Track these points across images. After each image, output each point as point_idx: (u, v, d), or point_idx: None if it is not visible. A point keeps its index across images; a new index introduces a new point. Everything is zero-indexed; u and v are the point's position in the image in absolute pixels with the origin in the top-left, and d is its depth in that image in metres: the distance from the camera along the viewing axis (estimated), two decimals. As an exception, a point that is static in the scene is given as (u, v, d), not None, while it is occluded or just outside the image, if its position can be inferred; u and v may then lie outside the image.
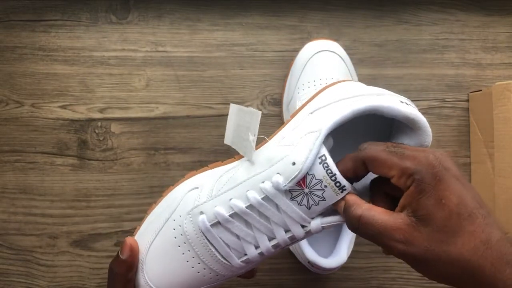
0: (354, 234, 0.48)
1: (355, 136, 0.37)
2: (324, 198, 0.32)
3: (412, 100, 0.35)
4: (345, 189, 0.32)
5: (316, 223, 0.33)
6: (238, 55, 0.55)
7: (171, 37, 0.55)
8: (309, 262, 0.47)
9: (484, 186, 0.53)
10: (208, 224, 0.35)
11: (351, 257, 0.48)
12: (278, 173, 0.33)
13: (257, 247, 0.35)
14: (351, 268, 0.54)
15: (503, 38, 0.57)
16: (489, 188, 0.52)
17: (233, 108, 0.39)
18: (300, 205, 0.33)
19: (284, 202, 0.33)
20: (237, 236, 0.35)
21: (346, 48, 0.53)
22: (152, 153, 0.54)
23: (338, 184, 0.32)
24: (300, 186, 0.33)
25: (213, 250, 0.35)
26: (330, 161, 0.32)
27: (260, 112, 0.35)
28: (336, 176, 0.32)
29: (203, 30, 0.55)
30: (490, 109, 0.51)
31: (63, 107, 0.54)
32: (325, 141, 0.33)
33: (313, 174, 0.32)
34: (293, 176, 0.32)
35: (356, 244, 0.50)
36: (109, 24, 0.54)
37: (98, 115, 0.54)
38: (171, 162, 0.54)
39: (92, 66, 0.54)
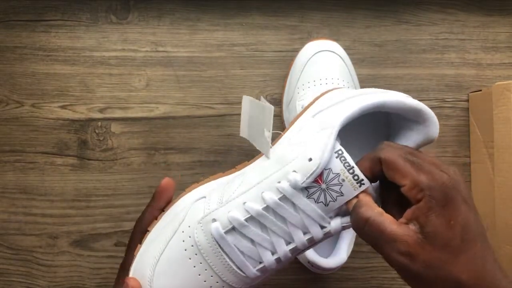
0: (355, 234, 0.48)
1: (357, 137, 0.37)
2: (342, 193, 0.32)
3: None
4: (363, 183, 0.31)
5: (336, 223, 0.33)
6: (238, 55, 0.55)
7: (171, 37, 0.55)
8: (309, 262, 0.47)
9: (484, 186, 0.53)
10: (222, 231, 0.33)
11: (351, 257, 0.48)
12: (294, 171, 0.32)
13: (273, 252, 0.33)
14: (351, 268, 0.54)
15: (503, 38, 0.57)
16: (489, 188, 0.52)
17: (246, 100, 0.38)
18: (318, 202, 0.32)
19: (302, 201, 0.32)
20: (253, 242, 0.33)
21: (346, 48, 0.53)
22: (152, 153, 0.54)
23: (356, 178, 0.31)
24: (317, 183, 0.32)
25: (227, 260, 0.33)
26: (347, 155, 0.32)
27: (273, 107, 0.34)
28: (354, 169, 0.31)
29: (203, 30, 0.55)
30: (490, 109, 0.51)
31: (63, 107, 0.54)
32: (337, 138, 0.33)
33: (330, 168, 0.31)
34: (311, 172, 0.32)
35: (356, 244, 0.50)
36: (109, 24, 0.54)
37: (98, 115, 0.54)
38: (171, 162, 0.54)
39: (92, 66, 0.54)
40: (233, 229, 0.33)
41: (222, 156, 0.54)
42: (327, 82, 0.49)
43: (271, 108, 0.34)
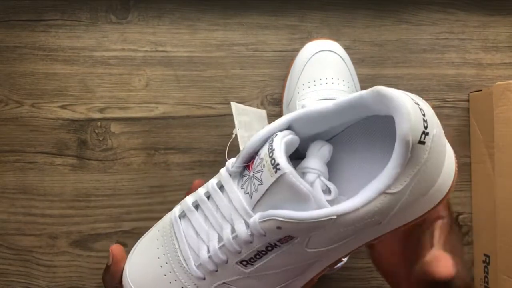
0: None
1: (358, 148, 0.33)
2: (261, 180, 0.27)
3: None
4: (278, 168, 0.26)
5: (253, 219, 0.27)
6: (238, 55, 0.55)
7: (171, 37, 0.54)
8: None
9: (484, 186, 0.53)
10: (177, 214, 0.32)
11: (351, 257, 0.48)
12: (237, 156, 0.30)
13: (208, 249, 0.30)
14: (351, 268, 0.54)
15: (503, 38, 0.57)
16: (489, 188, 0.52)
17: (234, 106, 0.38)
18: (246, 193, 0.28)
19: (232, 189, 0.29)
20: (196, 232, 0.30)
21: (346, 48, 0.53)
22: (152, 153, 0.54)
23: (273, 162, 0.26)
24: (248, 169, 0.29)
25: (177, 246, 0.31)
26: (278, 138, 0.27)
27: (265, 111, 0.34)
28: (274, 151, 0.27)
29: (203, 30, 0.55)
30: (490, 109, 0.51)
31: (62, 107, 0.54)
32: (288, 134, 0.29)
33: (259, 154, 0.28)
34: (232, 162, 0.29)
35: (356, 244, 0.50)
36: (109, 24, 0.54)
37: (98, 115, 0.54)
38: (171, 162, 0.54)
39: (92, 66, 0.54)
40: (185, 214, 0.32)
41: (222, 156, 0.54)
42: (327, 82, 0.49)
43: (262, 112, 0.34)
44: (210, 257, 0.30)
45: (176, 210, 0.32)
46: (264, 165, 0.27)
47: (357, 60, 0.55)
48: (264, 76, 0.55)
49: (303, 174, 0.29)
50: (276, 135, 0.28)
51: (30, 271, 0.53)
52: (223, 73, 0.54)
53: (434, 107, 0.57)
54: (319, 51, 0.50)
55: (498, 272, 0.51)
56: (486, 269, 0.53)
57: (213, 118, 0.54)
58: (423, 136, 0.25)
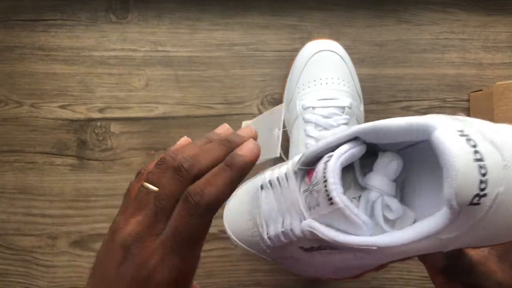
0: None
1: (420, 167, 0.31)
2: (318, 202, 0.27)
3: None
4: (332, 203, 0.26)
5: (304, 223, 0.28)
6: (238, 55, 0.55)
7: (171, 37, 0.54)
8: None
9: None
10: (259, 185, 0.33)
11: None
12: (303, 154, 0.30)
13: (275, 227, 0.32)
14: (352, 268, 0.54)
15: (503, 37, 0.57)
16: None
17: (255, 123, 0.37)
18: (305, 200, 0.29)
19: (294, 187, 0.29)
20: (269, 209, 0.32)
21: (346, 48, 0.52)
22: (152, 153, 0.54)
23: (327, 193, 0.26)
24: (308, 180, 0.28)
25: (257, 212, 0.33)
26: (331, 164, 0.26)
27: (283, 104, 0.34)
28: (327, 183, 0.26)
29: (203, 30, 0.55)
30: (490, 109, 0.51)
31: (62, 107, 0.53)
32: (355, 146, 0.27)
33: (317, 170, 0.27)
34: (298, 158, 0.29)
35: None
36: (109, 24, 0.54)
37: (97, 115, 0.54)
38: (171, 162, 0.54)
39: (91, 66, 0.54)
40: (264, 187, 0.33)
41: (222, 156, 0.54)
42: (327, 82, 0.49)
43: (280, 107, 0.33)
44: (275, 235, 0.31)
45: (259, 179, 0.33)
46: (319, 190, 0.27)
47: (357, 60, 0.55)
48: (264, 76, 0.55)
49: (366, 190, 0.29)
50: (331, 157, 0.27)
51: (30, 271, 0.53)
52: (223, 73, 0.54)
53: (434, 107, 0.57)
54: (319, 51, 0.50)
55: None
56: None
57: (213, 118, 0.54)
58: (477, 198, 0.22)
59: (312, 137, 0.48)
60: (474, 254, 0.31)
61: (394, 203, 0.28)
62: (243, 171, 0.26)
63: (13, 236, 0.53)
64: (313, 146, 0.29)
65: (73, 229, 0.53)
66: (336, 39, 0.53)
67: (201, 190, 0.24)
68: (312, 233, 0.28)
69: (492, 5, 0.57)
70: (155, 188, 0.26)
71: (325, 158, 0.27)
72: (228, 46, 0.55)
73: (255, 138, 0.29)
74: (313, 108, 0.48)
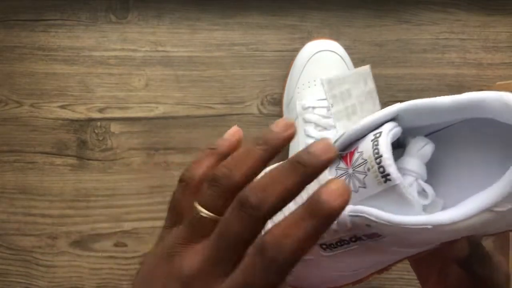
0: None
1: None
2: (364, 184, 0.26)
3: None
4: (389, 179, 0.24)
5: (353, 208, 0.26)
6: (238, 54, 0.55)
7: (171, 37, 0.54)
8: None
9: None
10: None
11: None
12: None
13: None
14: (352, 268, 0.54)
15: (503, 37, 0.57)
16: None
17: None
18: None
19: (324, 173, 0.26)
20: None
21: (346, 48, 0.52)
22: (152, 153, 0.54)
23: (382, 170, 0.24)
24: (345, 163, 0.27)
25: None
26: (383, 139, 0.25)
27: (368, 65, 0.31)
28: (381, 158, 0.24)
29: (203, 30, 0.55)
30: (490, 109, 0.51)
31: (62, 107, 0.53)
32: (395, 126, 0.26)
33: (361, 152, 0.26)
34: (337, 137, 0.27)
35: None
36: (109, 24, 0.54)
37: (97, 115, 0.54)
38: (171, 162, 0.54)
39: (91, 66, 0.54)
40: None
41: (222, 156, 0.54)
42: (328, 82, 0.49)
43: (365, 69, 0.31)
44: None
45: None
46: (369, 168, 0.25)
47: (357, 60, 0.55)
48: (264, 76, 0.55)
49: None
50: (381, 133, 0.25)
51: (30, 271, 0.53)
52: (223, 73, 0.54)
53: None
54: (319, 51, 0.50)
55: None
56: None
57: (213, 118, 0.54)
58: None
59: (312, 137, 0.48)
60: (486, 245, 0.31)
61: (428, 188, 0.27)
62: (330, 220, 0.19)
63: (13, 236, 0.53)
64: (348, 130, 0.27)
65: (73, 229, 0.53)
66: (336, 39, 0.53)
67: (279, 242, 0.19)
68: (361, 219, 0.25)
69: (492, 5, 0.56)
70: (212, 215, 0.22)
71: (370, 136, 0.26)
72: (228, 46, 0.55)
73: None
74: (313, 108, 0.48)
